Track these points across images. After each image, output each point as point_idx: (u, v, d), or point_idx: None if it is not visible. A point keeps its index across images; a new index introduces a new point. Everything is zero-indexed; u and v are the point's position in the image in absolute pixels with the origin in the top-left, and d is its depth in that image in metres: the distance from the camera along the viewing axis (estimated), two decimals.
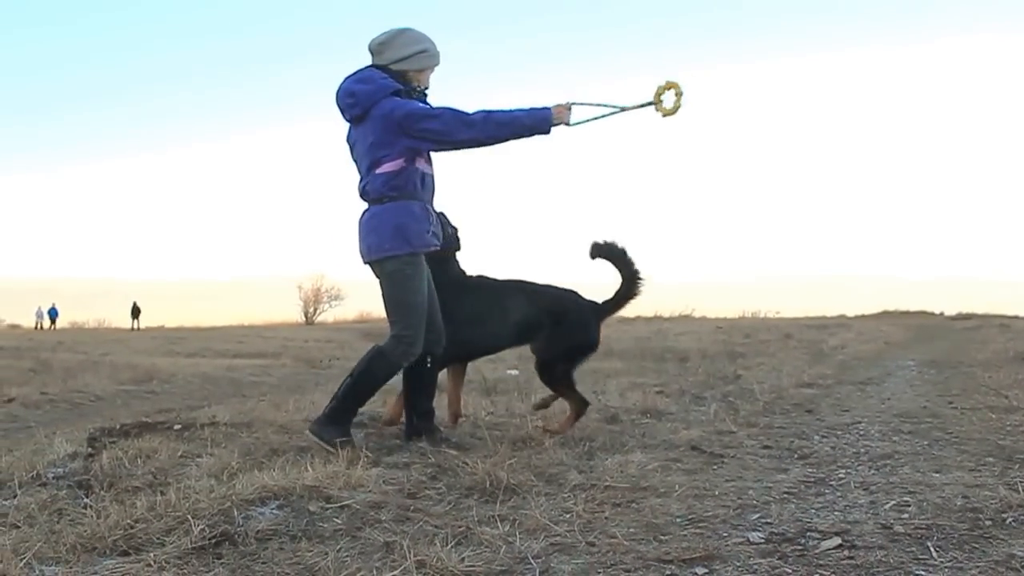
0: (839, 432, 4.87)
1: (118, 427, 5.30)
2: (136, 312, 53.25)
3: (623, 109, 4.41)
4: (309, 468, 3.55)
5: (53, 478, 3.88)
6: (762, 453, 4.25)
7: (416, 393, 4.67)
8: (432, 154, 4.53)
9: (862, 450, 4.29)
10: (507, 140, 4.31)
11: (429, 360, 4.60)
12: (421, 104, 4.44)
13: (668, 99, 4.35)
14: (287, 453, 4.05)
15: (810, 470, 3.84)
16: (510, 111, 4.28)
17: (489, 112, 4.28)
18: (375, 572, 2.49)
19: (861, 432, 4.85)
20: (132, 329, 49.68)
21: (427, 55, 4.55)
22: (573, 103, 4.32)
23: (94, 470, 3.93)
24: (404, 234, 4.36)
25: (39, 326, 52.66)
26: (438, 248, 4.56)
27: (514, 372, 9.10)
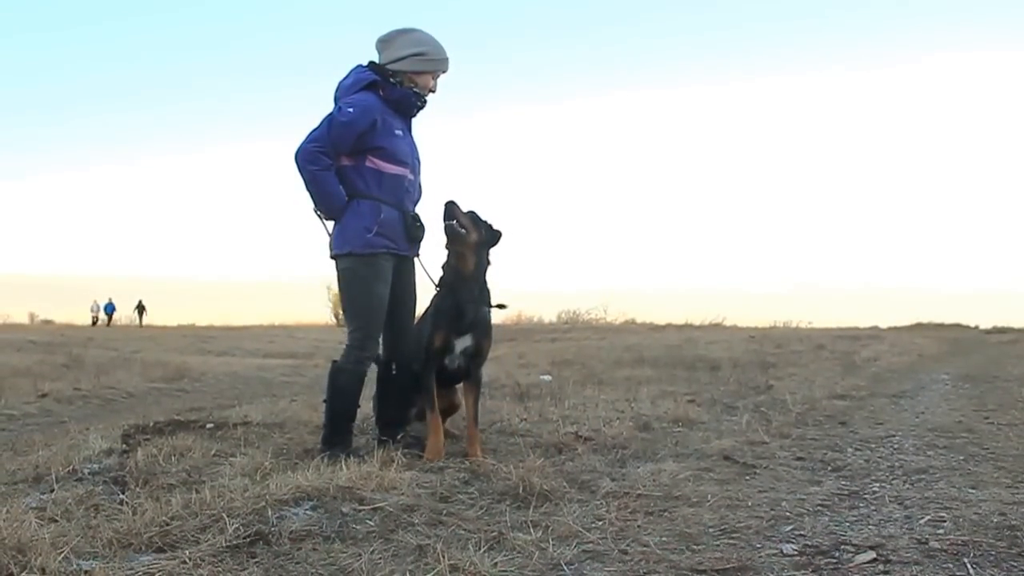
0: (873, 445, 4.83)
1: (151, 424, 5.37)
2: (141, 310, 53.24)
3: None
4: (342, 469, 3.57)
5: (89, 473, 3.93)
6: (795, 465, 4.22)
7: (382, 400, 4.69)
8: (402, 156, 4.46)
9: (896, 464, 4.26)
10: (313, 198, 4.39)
11: (394, 367, 4.62)
12: (346, 113, 4.30)
13: None
14: (320, 454, 4.06)
15: (844, 483, 3.82)
16: (320, 193, 4.34)
17: (314, 173, 4.29)
18: (408, 575, 2.50)
19: (895, 446, 4.81)
20: (108, 325, 49.79)
21: (424, 59, 4.47)
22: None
23: (129, 467, 3.98)
24: (345, 234, 4.35)
25: (95, 321, 51.83)
26: (392, 252, 4.40)
27: (547, 377, 9.11)
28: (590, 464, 4.06)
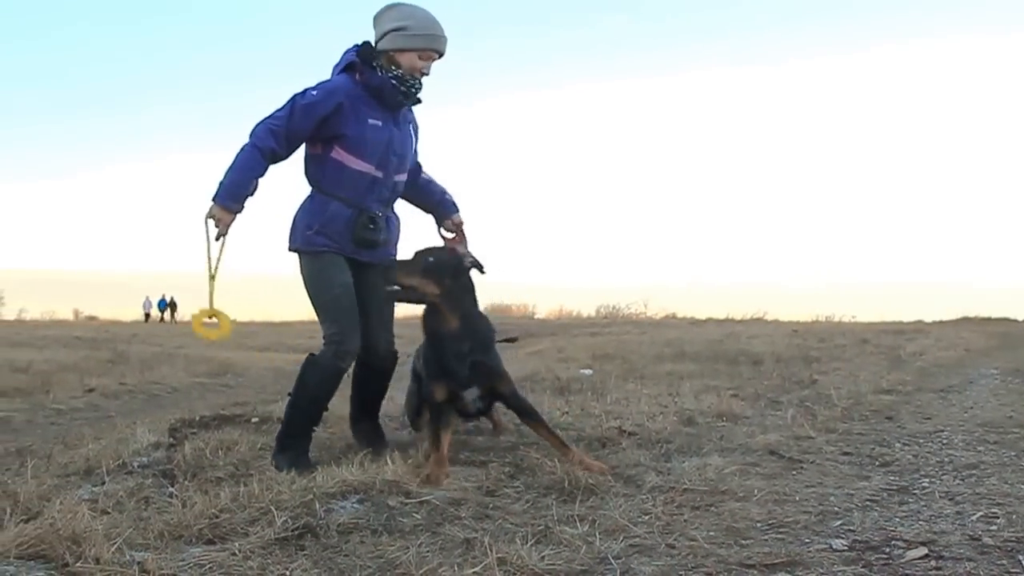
0: (921, 440, 4.76)
1: (197, 419, 5.43)
2: (172, 307, 53.15)
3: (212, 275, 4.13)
4: (388, 463, 3.59)
5: (138, 467, 4.00)
6: (842, 460, 4.18)
7: (353, 402, 4.53)
8: (384, 153, 4.09)
9: (946, 459, 4.20)
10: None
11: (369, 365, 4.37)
12: (309, 95, 3.97)
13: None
14: (365, 448, 4.08)
15: (892, 478, 3.77)
16: (234, 167, 3.94)
17: (245, 147, 3.95)
18: (456, 568, 2.51)
19: (944, 441, 4.74)
20: (162, 321, 49.99)
21: (404, 34, 3.99)
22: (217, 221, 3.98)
23: (177, 460, 4.04)
24: (292, 230, 4.14)
25: (147, 317, 51.73)
26: (336, 252, 4.06)
27: (588, 372, 9.09)
28: (634, 458, 4.04)
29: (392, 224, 4.28)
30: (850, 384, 7.43)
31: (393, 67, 4.03)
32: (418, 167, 4.46)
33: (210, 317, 4.18)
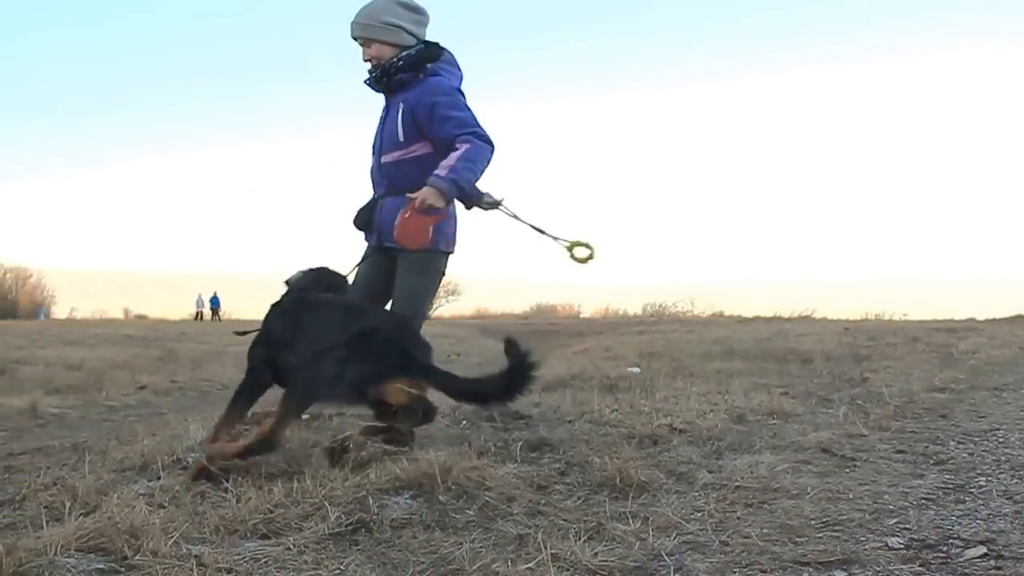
0: (976, 438, 4.68)
1: (249, 415, 5.47)
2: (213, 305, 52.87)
3: (541, 232, 4.54)
4: (438, 459, 3.58)
5: (192, 462, 4.03)
6: (896, 458, 4.12)
7: None
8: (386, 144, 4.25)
9: (1002, 458, 4.12)
10: None
11: None
12: None
13: (580, 253, 4.56)
14: (415, 445, 4.09)
15: (948, 476, 3.72)
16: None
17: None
18: (510, 564, 2.52)
19: (1000, 439, 4.66)
20: (209, 320, 49.39)
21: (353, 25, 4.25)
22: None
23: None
24: None
25: (199, 315, 50.95)
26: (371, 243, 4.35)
27: (635, 370, 9.05)
28: (686, 455, 4.02)
29: (384, 208, 4.25)
30: (902, 382, 7.32)
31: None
32: (438, 142, 4.16)
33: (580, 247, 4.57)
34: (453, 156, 4.01)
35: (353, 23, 4.20)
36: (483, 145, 4.05)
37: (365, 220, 4.34)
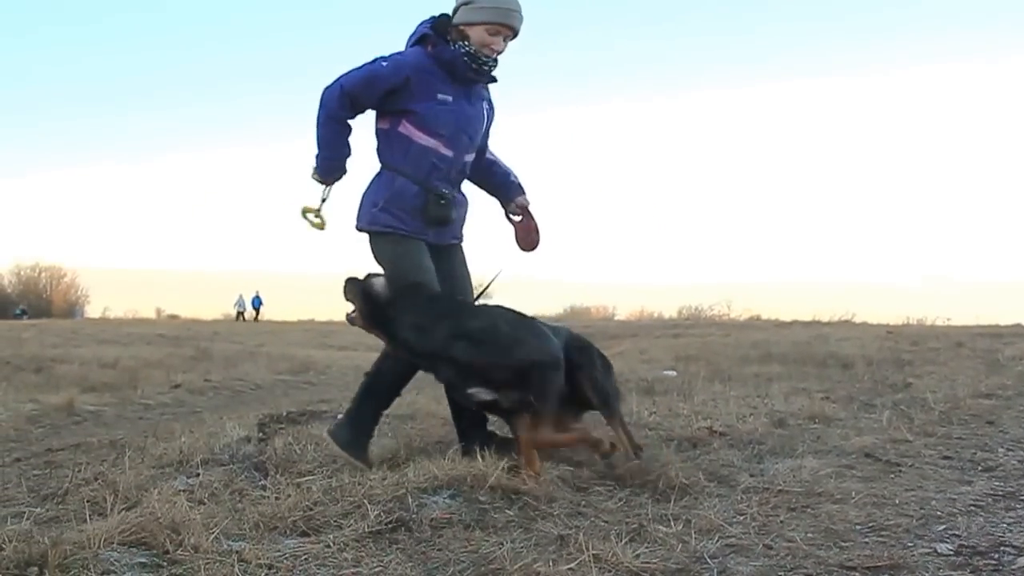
0: None
1: (284, 414, 5.49)
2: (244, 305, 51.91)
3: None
4: (478, 459, 3.56)
5: (230, 459, 4.05)
6: (942, 464, 4.04)
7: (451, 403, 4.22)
8: (449, 129, 3.92)
9: None
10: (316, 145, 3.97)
11: None
12: (379, 65, 3.85)
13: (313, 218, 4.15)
14: (453, 445, 4.07)
15: (997, 483, 3.64)
16: (321, 143, 3.94)
17: (321, 118, 3.90)
18: (551, 564, 2.49)
19: None
20: (251, 320, 48.38)
21: (474, 7, 3.84)
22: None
23: (268, 454, 4.08)
24: (359, 208, 4.02)
25: (240, 316, 49.51)
26: (400, 232, 3.90)
27: (671, 373, 8.99)
28: (726, 459, 3.98)
29: (460, 203, 4.08)
30: (946, 388, 7.19)
31: (464, 42, 3.86)
32: (484, 147, 4.22)
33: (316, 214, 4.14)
34: (504, 164, 4.29)
35: (518, 14, 3.89)
36: None
37: (448, 217, 3.98)
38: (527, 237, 4.24)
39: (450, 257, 4.08)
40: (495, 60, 3.94)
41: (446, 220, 3.96)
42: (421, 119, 3.86)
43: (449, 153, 3.92)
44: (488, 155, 4.25)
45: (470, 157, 4.06)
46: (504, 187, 4.25)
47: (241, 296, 51.54)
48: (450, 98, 3.88)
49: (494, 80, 4.06)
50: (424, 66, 3.87)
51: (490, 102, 4.15)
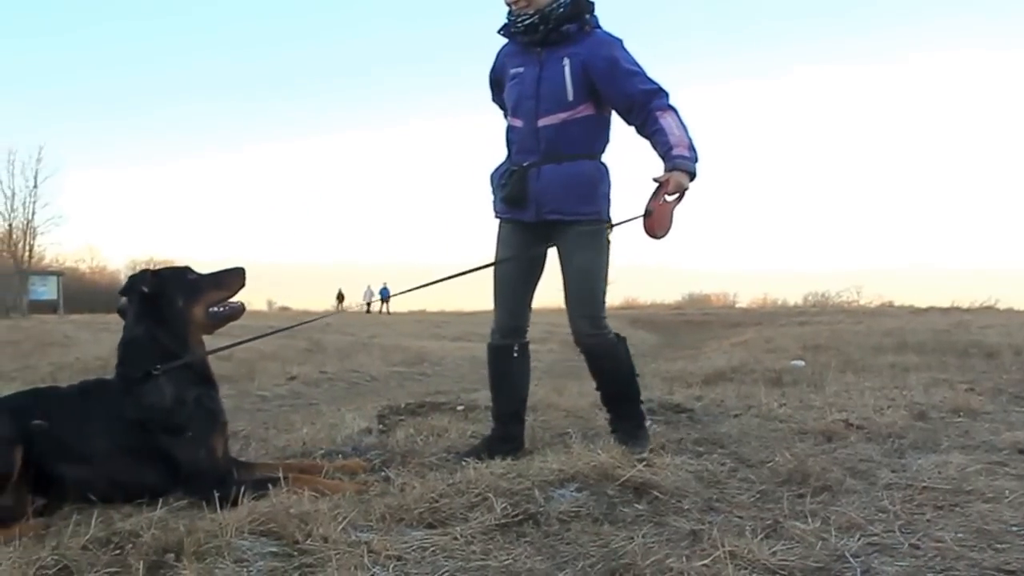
0: None
1: (403, 406, 5.52)
2: (340, 298, 52.71)
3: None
4: (601, 452, 3.47)
5: (352, 450, 4.07)
6: None
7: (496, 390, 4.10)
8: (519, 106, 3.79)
9: None
10: None
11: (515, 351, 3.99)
12: None
13: None
14: (576, 437, 4.00)
15: None
16: None
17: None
18: (684, 560, 2.40)
19: None
20: (379, 312, 46.96)
21: None
22: None
23: (390, 445, 4.09)
24: None
25: (369, 307, 47.59)
26: (498, 215, 3.90)
27: (800, 363, 8.73)
28: (865, 453, 3.80)
29: (544, 177, 3.73)
30: None
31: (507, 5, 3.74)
32: (647, 112, 3.70)
33: None
34: (676, 130, 3.66)
35: None
36: (678, 110, 3.72)
37: (520, 193, 3.77)
38: (648, 220, 3.72)
39: (564, 240, 3.79)
40: (529, 14, 3.66)
41: (515, 200, 3.78)
42: (508, 103, 3.88)
43: (519, 123, 3.79)
44: (659, 122, 3.69)
45: (547, 121, 3.71)
46: (663, 159, 3.70)
47: (369, 287, 51.33)
48: (522, 69, 3.77)
49: (548, 35, 3.70)
50: (504, 48, 3.91)
51: (588, 55, 3.69)
